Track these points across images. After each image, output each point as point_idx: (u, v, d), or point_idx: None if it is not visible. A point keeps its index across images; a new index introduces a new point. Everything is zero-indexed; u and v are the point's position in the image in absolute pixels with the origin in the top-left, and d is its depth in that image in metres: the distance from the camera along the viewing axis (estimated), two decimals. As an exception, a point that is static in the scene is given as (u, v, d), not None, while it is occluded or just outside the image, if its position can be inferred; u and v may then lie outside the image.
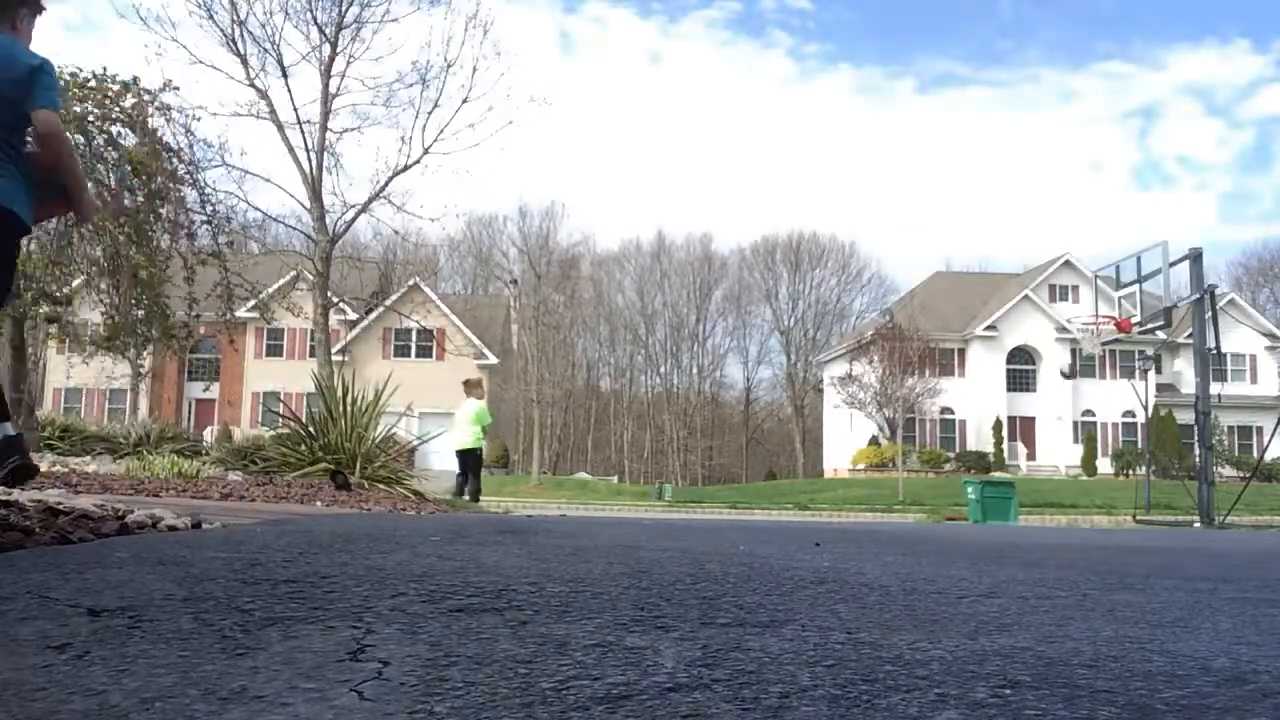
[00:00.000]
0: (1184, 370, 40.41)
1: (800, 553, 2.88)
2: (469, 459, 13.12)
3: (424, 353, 41.73)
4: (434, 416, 36.13)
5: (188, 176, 11.89)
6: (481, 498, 13.39)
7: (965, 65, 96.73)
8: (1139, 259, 16.52)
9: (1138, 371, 29.57)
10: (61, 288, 12.08)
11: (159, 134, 11.41)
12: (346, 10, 19.95)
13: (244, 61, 19.25)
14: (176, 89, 11.76)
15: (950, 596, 1.85)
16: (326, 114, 19.97)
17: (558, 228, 56.49)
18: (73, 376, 19.28)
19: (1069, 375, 20.69)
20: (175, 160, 11.60)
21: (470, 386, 14.01)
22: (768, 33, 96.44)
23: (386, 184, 20.09)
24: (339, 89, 20.08)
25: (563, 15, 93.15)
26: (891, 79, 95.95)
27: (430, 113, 20.19)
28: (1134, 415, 40.90)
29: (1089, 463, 40.91)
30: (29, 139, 3.55)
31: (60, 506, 2.97)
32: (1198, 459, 15.76)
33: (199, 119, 13.16)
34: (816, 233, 65.88)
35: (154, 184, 11.23)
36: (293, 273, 22.52)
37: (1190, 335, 19.27)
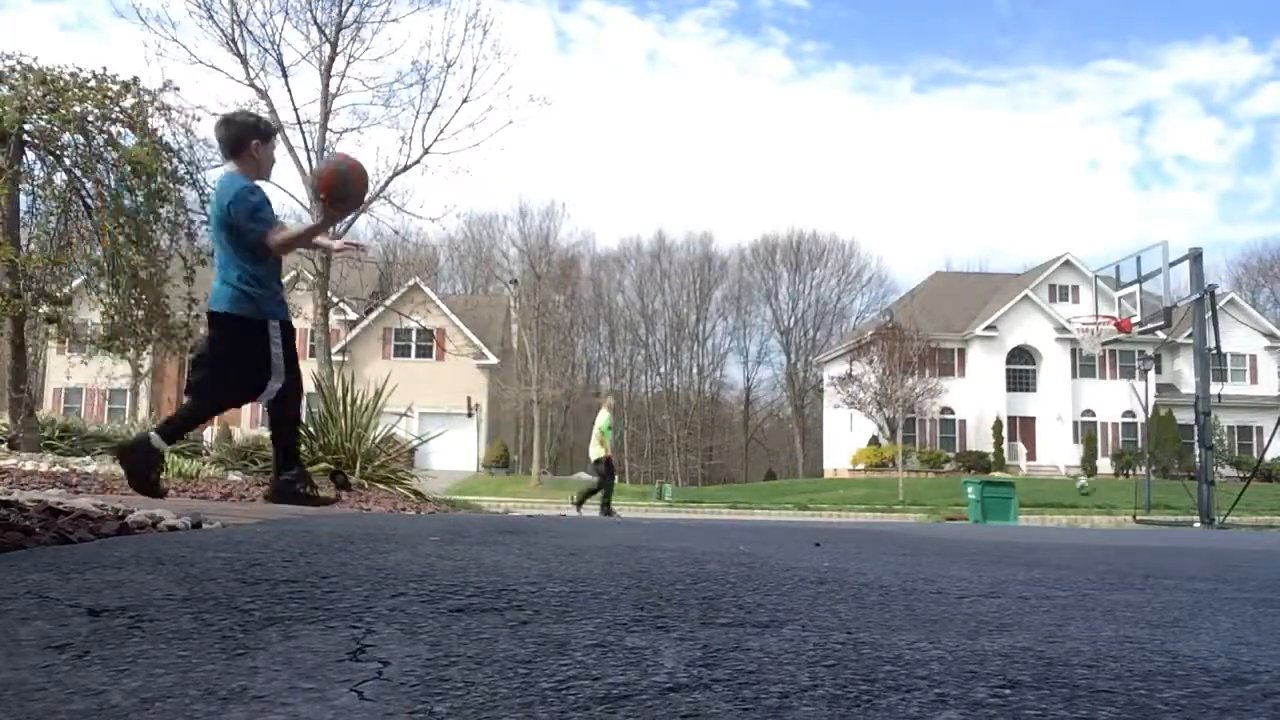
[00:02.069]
0: (1184, 370, 40.40)
1: (800, 553, 2.87)
2: (598, 467, 14.48)
3: (424, 353, 41.74)
4: (434, 416, 36.20)
5: (188, 176, 11.87)
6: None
7: (963, 64, 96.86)
8: (1139, 259, 16.52)
9: (1138, 371, 29.58)
10: (61, 288, 12.08)
11: (159, 134, 11.40)
12: (346, 10, 19.99)
13: (244, 61, 19.28)
14: (176, 89, 11.75)
15: (950, 596, 1.85)
16: (326, 114, 19.99)
17: (558, 228, 56.53)
18: (73, 376, 19.28)
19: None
20: (175, 160, 11.58)
21: (602, 396, 16.04)
22: (764, 31, 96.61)
23: (387, 184, 20.11)
24: (339, 89, 20.12)
25: (559, 14, 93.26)
26: (889, 77, 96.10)
27: (430, 113, 20.24)
28: (1134, 415, 40.90)
29: (1089, 463, 40.91)
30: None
31: (60, 506, 2.97)
32: (1198, 459, 15.75)
33: (199, 119, 13.14)
34: (816, 232, 65.99)
35: (154, 184, 11.21)
36: (292, 273, 22.50)
37: (1190, 335, 19.27)
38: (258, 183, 4.58)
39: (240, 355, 4.50)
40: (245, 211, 4.39)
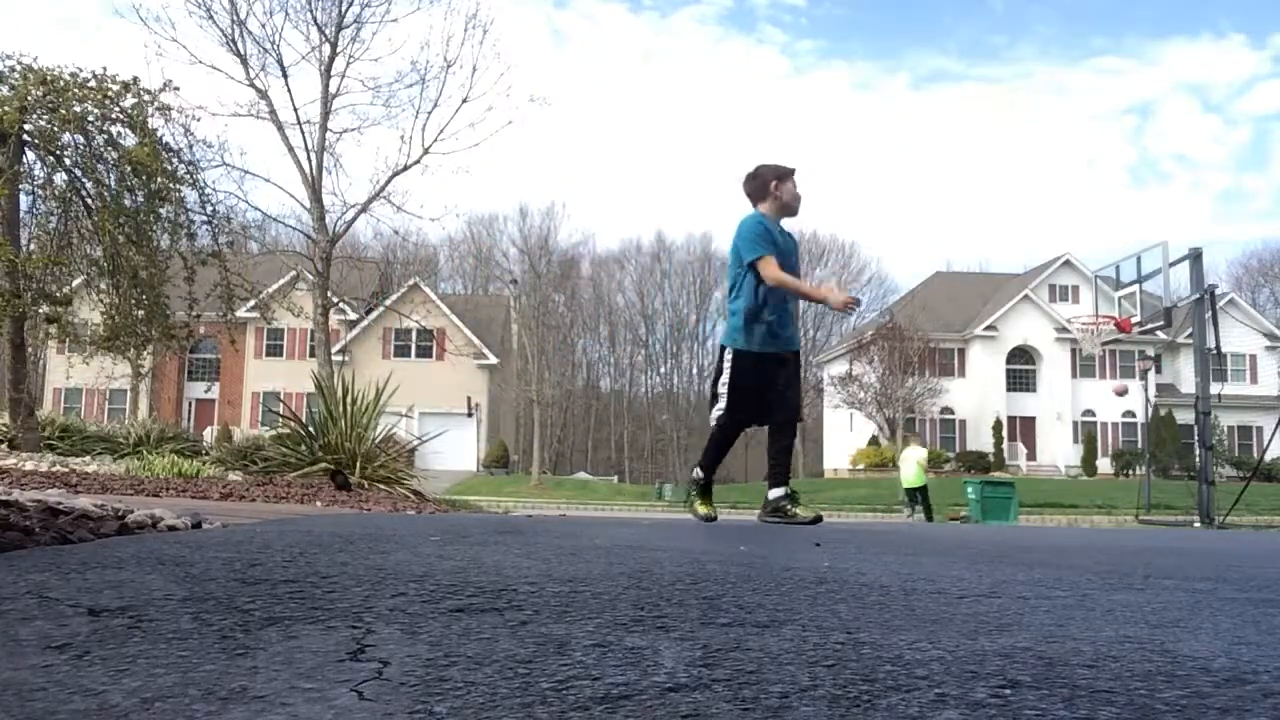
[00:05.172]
0: (1184, 370, 40.39)
1: (800, 553, 2.87)
2: (916, 494, 18.73)
3: (424, 353, 41.73)
4: (434, 416, 36.16)
5: (188, 176, 11.86)
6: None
7: (959, 61, 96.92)
8: (1139, 259, 16.51)
9: (1138, 371, 29.55)
10: (61, 288, 12.07)
11: (159, 134, 11.39)
12: (346, 10, 19.96)
13: (244, 61, 19.26)
14: (176, 89, 11.74)
15: (950, 596, 1.85)
16: (326, 114, 19.96)
17: (558, 228, 56.72)
18: (73, 376, 19.30)
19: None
20: (175, 160, 11.58)
21: (911, 436, 23.17)
22: (759, 29, 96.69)
23: (386, 184, 20.10)
24: (339, 89, 20.09)
25: (554, 10, 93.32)
26: (886, 75, 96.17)
27: (430, 113, 20.20)
28: (1134, 415, 40.88)
29: (1089, 463, 40.91)
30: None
31: (60, 506, 2.97)
32: (1198, 459, 15.75)
33: (199, 119, 13.12)
34: (816, 232, 65.97)
35: (154, 184, 11.21)
36: (293, 273, 22.51)
37: (1190, 335, 19.26)
38: (784, 220, 5.19)
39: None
40: (743, 238, 4.96)
